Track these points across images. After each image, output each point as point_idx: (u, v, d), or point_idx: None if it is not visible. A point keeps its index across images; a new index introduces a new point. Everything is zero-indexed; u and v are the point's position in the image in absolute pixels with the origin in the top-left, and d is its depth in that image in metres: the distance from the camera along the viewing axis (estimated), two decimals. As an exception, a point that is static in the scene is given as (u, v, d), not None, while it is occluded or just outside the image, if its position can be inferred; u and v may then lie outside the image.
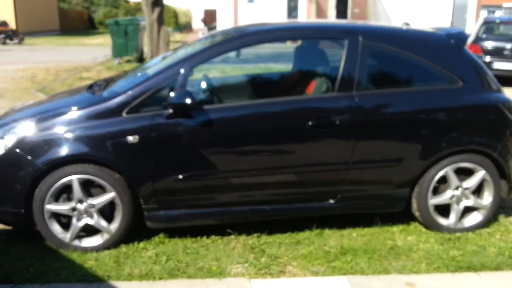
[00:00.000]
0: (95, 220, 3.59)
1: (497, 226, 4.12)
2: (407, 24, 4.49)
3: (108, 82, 4.29)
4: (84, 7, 44.41)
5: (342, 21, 4.80)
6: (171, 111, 3.51)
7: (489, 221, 4.07)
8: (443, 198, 3.92)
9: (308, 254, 3.63)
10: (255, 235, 3.87)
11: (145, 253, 3.62)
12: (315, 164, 3.74)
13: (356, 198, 3.87)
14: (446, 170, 3.85)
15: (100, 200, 3.56)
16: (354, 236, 3.92)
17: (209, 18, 36.68)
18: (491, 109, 3.94)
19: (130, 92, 3.59)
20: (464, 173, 3.92)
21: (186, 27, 39.17)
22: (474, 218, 4.01)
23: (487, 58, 11.84)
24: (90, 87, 4.26)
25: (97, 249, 3.62)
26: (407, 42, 3.97)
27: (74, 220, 3.58)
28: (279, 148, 3.70)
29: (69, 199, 3.56)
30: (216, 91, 4.52)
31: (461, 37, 4.06)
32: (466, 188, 3.92)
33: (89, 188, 3.57)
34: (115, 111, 3.54)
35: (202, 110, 3.60)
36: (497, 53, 11.97)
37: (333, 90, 3.80)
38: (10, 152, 3.51)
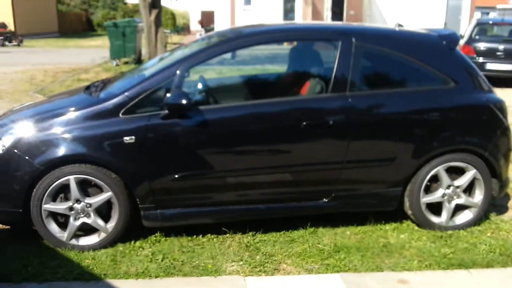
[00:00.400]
0: (92, 219, 3.63)
1: (488, 224, 4.18)
2: (400, 25, 4.53)
3: (105, 83, 4.33)
4: (82, 9, 44.39)
5: (336, 23, 4.84)
6: (167, 111, 3.55)
7: (480, 219, 4.12)
8: (435, 196, 3.98)
9: (302, 252, 3.68)
10: (250, 233, 3.92)
11: (142, 251, 3.66)
12: (309, 163, 3.78)
13: (350, 197, 3.92)
14: (438, 169, 3.90)
15: (97, 199, 3.61)
16: (348, 234, 3.97)
17: (207, 19, 36.74)
18: (482, 109, 4.00)
19: (126, 93, 3.63)
20: (455, 172, 3.98)
21: (183, 29, 39.20)
22: (466, 216, 4.07)
23: (480, 59, 11.92)
24: (88, 88, 4.30)
25: (94, 248, 3.66)
26: (400, 43, 4.03)
27: (71, 219, 3.63)
28: (274, 148, 3.75)
29: (66, 198, 3.60)
30: (212, 92, 4.56)
31: (453, 38, 4.11)
32: (458, 187, 3.97)
33: (86, 187, 3.61)
34: (112, 112, 3.58)
35: (197, 110, 3.64)
36: (490, 54, 12.05)
37: (327, 91, 3.84)
38: (8, 152, 3.55)
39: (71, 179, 3.53)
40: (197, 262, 3.53)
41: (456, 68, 4.01)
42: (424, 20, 23.68)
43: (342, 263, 3.53)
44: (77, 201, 3.59)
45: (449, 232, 3.99)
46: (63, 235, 3.64)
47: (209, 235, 3.90)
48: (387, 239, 3.91)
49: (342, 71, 3.81)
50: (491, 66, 11.92)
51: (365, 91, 3.93)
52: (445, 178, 3.94)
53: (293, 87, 4.38)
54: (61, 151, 3.51)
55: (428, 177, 3.91)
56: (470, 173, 3.96)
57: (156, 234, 3.86)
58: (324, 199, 3.89)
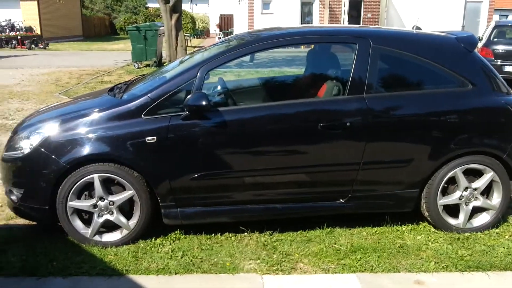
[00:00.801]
0: (115, 216, 3.74)
1: (507, 226, 4.17)
2: (418, 28, 4.54)
3: (128, 85, 4.43)
4: (105, 13, 45.07)
5: (353, 26, 4.88)
6: (187, 112, 3.63)
7: (498, 221, 4.11)
8: (452, 198, 3.99)
9: (319, 251, 3.72)
10: (268, 232, 3.98)
11: (162, 248, 3.75)
12: (326, 164, 3.82)
13: (366, 198, 3.95)
14: (455, 171, 3.91)
15: (120, 197, 3.71)
16: (364, 235, 4.00)
17: (226, 23, 36.93)
18: (500, 111, 3.99)
19: (149, 95, 3.72)
20: (473, 174, 3.98)
21: (203, 32, 39.49)
22: (483, 219, 4.07)
23: (498, 62, 11.79)
24: (111, 90, 4.40)
25: (117, 244, 3.77)
26: (417, 45, 4.04)
27: (95, 216, 3.74)
28: (291, 149, 3.80)
29: (90, 196, 3.72)
30: (231, 94, 4.62)
31: (471, 41, 4.12)
32: (475, 189, 3.98)
33: (109, 186, 3.72)
34: (135, 113, 3.68)
35: (217, 111, 3.71)
36: (509, 56, 11.90)
37: (344, 93, 3.89)
38: (35, 151, 3.68)
39: (95, 177, 3.63)
40: (215, 259, 3.61)
41: (474, 70, 4.01)
42: (441, 22, 23.39)
43: (359, 263, 3.57)
44: (101, 198, 3.70)
45: (467, 234, 4.00)
46: (87, 232, 3.75)
47: (227, 233, 3.97)
48: (404, 240, 3.93)
49: (359, 74, 3.85)
50: (510, 68, 11.78)
51: (382, 93, 3.94)
52: (462, 180, 3.94)
53: (310, 89, 4.43)
54: (86, 150, 3.62)
55: (445, 179, 3.92)
56: (488, 175, 3.96)
57: (176, 232, 3.95)
58: (341, 200, 3.93)
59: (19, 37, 27.16)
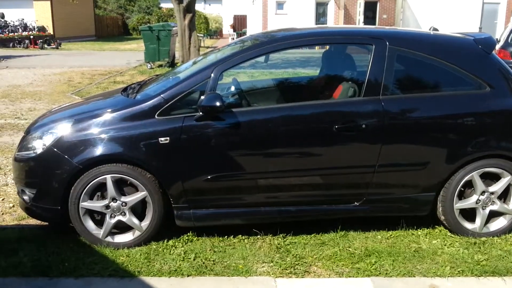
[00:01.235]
0: (127, 217, 3.72)
1: (524, 231, 4.09)
2: (434, 29, 4.49)
3: (141, 85, 4.43)
4: (118, 13, 45.35)
5: (369, 27, 4.82)
6: (201, 113, 3.61)
7: (515, 226, 4.04)
8: (469, 202, 3.92)
9: (332, 255, 3.68)
10: (281, 235, 3.95)
11: (174, 250, 3.73)
12: (341, 167, 3.79)
13: (382, 201, 3.90)
14: (472, 174, 3.85)
15: (132, 198, 3.70)
16: (379, 239, 3.96)
17: (239, 23, 36.99)
18: None
19: (162, 95, 3.71)
20: (490, 178, 3.92)
21: (216, 33, 39.59)
22: (500, 223, 4.00)
23: None
24: (124, 90, 4.40)
25: (129, 245, 3.75)
26: (434, 47, 3.99)
27: (107, 217, 3.73)
28: (305, 151, 3.77)
29: (103, 197, 3.71)
30: (245, 95, 4.60)
31: (489, 43, 4.06)
32: (492, 193, 3.91)
33: (122, 186, 3.71)
34: (148, 113, 3.66)
35: (231, 112, 3.69)
36: None
37: (359, 94, 3.85)
38: (48, 151, 3.68)
39: (108, 178, 3.62)
40: (228, 262, 3.58)
41: (492, 72, 3.95)
42: (458, 24, 23.22)
43: (373, 267, 3.52)
44: (113, 199, 3.69)
45: (483, 238, 3.93)
46: (99, 232, 3.74)
47: (240, 236, 3.94)
48: (419, 244, 3.87)
49: (375, 75, 3.80)
50: None
51: (399, 95, 3.89)
52: (479, 184, 3.88)
53: (325, 90, 4.39)
54: (99, 150, 3.61)
55: (462, 182, 3.86)
56: (505, 179, 3.89)
57: (188, 234, 3.93)
58: (355, 203, 3.88)
59: (31, 36, 27.44)
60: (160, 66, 16.41)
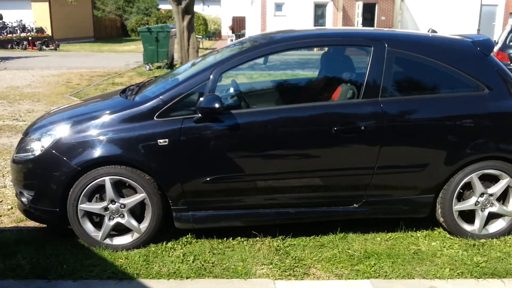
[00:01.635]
0: (126, 219, 3.71)
1: (523, 233, 4.09)
2: (433, 31, 4.50)
3: (140, 87, 4.42)
4: (117, 14, 45.38)
5: (368, 29, 4.83)
6: (200, 115, 3.61)
7: (514, 228, 4.04)
8: (468, 204, 3.92)
9: (332, 257, 3.68)
10: (280, 237, 3.94)
11: (173, 252, 3.72)
12: (340, 168, 3.78)
13: (381, 203, 3.90)
14: (471, 176, 3.85)
15: (131, 200, 3.69)
16: (378, 240, 3.95)
17: (238, 25, 37.04)
18: None
19: (161, 97, 3.70)
20: (489, 180, 3.92)
21: (215, 34, 39.62)
22: (499, 225, 4.00)
23: None
24: (123, 91, 4.39)
25: (127, 247, 3.74)
26: (433, 49, 3.99)
27: (106, 219, 3.71)
28: (304, 153, 3.76)
29: (101, 199, 3.70)
30: (244, 96, 4.59)
31: (487, 44, 4.06)
32: (491, 195, 3.91)
33: (120, 188, 3.70)
34: (147, 115, 3.66)
35: (230, 114, 3.68)
36: None
37: (358, 96, 3.84)
38: (46, 153, 3.67)
39: (107, 180, 3.61)
40: (227, 264, 3.57)
41: (490, 74, 3.95)
42: (457, 26, 23.27)
43: (372, 269, 3.52)
44: (112, 201, 3.68)
45: (482, 240, 3.93)
46: (97, 235, 3.73)
47: (239, 238, 3.94)
48: (418, 246, 3.87)
49: (374, 77, 3.80)
50: None
51: (397, 97, 3.90)
52: (478, 186, 3.88)
53: (324, 92, 4.39)
54: (97, 152, 3.60)
55: (461, 184, 3.86)
56: (504, 181, 3.89)
57: (187, 236, 3.92)
58: (355, 205, 3.88)
59: (30, 38, 27.44)
60: (159, 67, 16.41)
